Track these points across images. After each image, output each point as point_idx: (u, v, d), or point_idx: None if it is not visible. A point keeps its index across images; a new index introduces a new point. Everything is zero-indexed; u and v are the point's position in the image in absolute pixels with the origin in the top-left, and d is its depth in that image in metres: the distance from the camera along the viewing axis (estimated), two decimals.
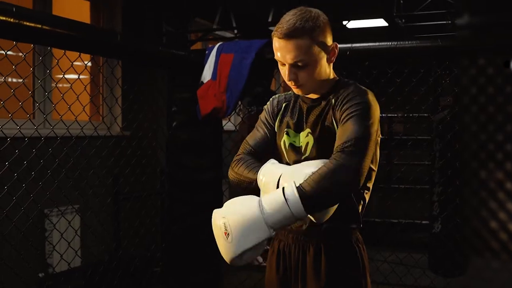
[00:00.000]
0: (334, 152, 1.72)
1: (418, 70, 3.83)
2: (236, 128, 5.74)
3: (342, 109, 1.77)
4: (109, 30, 5.10)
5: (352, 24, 7.46)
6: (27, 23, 2.62)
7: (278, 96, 2.04)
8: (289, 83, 1.83)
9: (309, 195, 1.66)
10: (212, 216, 1.80)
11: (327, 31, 1.81)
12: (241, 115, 5.35)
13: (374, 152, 1.81)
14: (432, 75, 4.68)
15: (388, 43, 3.27)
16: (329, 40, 1.82)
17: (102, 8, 5.38)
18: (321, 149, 1.83)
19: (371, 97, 1.79)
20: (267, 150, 1.98)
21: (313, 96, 1.89)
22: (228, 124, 5.39)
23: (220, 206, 1.61)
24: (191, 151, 3.95)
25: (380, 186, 6.77)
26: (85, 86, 3.53)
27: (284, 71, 1.82)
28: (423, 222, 5.64)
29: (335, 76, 1.92)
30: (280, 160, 1.93)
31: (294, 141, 1.91)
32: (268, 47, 3.56)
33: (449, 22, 6.02)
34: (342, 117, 1.76)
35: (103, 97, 4.95)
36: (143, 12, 5.65)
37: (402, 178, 5.48)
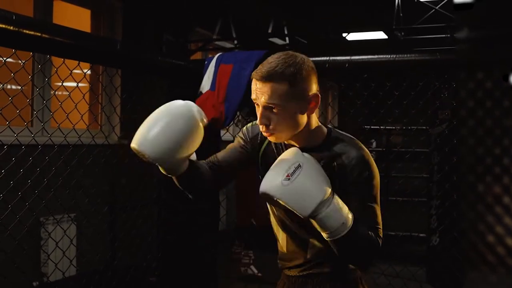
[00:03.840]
0: (367, 227, 1.75)
1: (417, 83, 3.83)
2: (233, 138, 5.73)
3: (353, 177, 1.76)
4: (109, 38, 5.11)
5: (352, 36, 7.49)
6: (27, 31, 2.62)
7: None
8: (261, 127, 1.78)
9: (352, 238, 1.68)
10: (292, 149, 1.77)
11: (310, 80, 1.76)
12: (240, 126, 5.35)
13: None
14: (431, 88, 4.69)
15: (387, 56, 3.27)
16: (311, 89, 1.77)
17: (102, 16, 5.39)
18: None
19: (371, 158, 1.80)
20: (230, 171, 1.96)
21: (303, 144, 1.84)
22: (227, 135, 5.37)
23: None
24: None
25: None
26: (84, 95, 3.53)
27: (258, 113, 1.78)
28: (421, 235, 5.62)
29: (321, 125, 1.87)
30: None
31: None
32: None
33: (448, 35, 6.05)
34: (354, 189, 1.76)
35: (102, 105, 4.94)
36: (143, 21, 5.67)
37: (399, 191, 5.47)
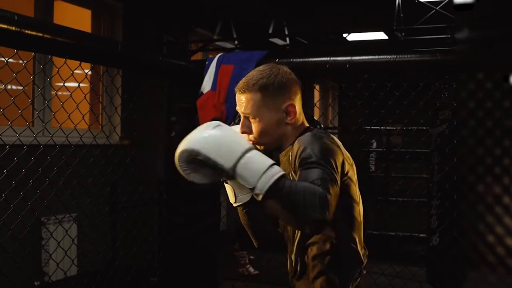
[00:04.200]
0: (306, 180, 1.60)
1: (417, 83, 3.84)
2: None
3: (298, 155, 1.69)
4: (110, 39, 5.12)
5: (352, 37, 7.50)
6: (28, 32, 2.63)
7: None
8: (245, 136, 1.81)
9: (284, 189, 1.56)
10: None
11: (285, 90, 1.79)
12: None
13: (354, 192, 1.78)
14: (431, 89, 4.70)
15: (387, 57, 3.28)
16: (287, 99, 1.79)
17: (103, 17, 5.40)
18: None
19: (327, 141, 1.72)
20: None
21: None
22: None
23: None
24: None
25: (378, 199, 6.77)
26: (85, 95, 3.54)
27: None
28: (421, 235, 5.63)
29: (305, 128, 1.85)
30: None
31: None
32: (268, 58, 3.57)
33: (449, 36, 6.05)
34: (300, 164, 1.66)
35: (103, 106, 4.95)
36: (143, 21, 5.68)
37: (400, 191, 5.48)
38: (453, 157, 4.45)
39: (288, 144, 1.83)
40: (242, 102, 1.80)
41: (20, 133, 3.06)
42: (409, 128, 6.64)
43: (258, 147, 1.80)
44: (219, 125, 1.71)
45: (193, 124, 3.78)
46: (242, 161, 1.60)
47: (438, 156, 4.90)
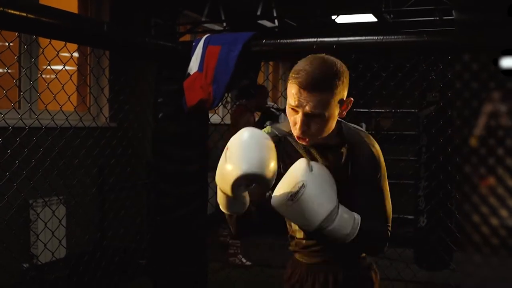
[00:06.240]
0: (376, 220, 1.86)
1: (404, 65, 3.84)
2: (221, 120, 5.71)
3: (364, 174, 1.85)
4: (95, 19, 5.06)
5: (341, 19, 7.47)
6: (12, 11, 2.59)
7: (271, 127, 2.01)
8: (297, 132, 1.77)
9: (361, 238, 1.78)
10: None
11: (347, 86, 1.78)
12: (228, 108, 5.32)
13: None
14: (418, 70, 4.70)
15: (374, 38, 3.27)
16: (346, 94, 1.79)
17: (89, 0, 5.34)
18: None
19: (380, 153, 1.89)
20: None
21: (320, 142, 1.85)
22: (215, 117, 5.37)
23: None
24: (177, 143, 3.93)
25: None
26: (71, 76, 3.50)
27: (294, 118, 1.76)
28: (409, 217, 5.66)
29: (343, 125, 1.92)
30: None
31: None
32: (255, 40, 3.55)
33: (437, 18, 6.05)
34: (364, 186, 1.85)
35: (90, 87, 4.92)
36: (131, 4, 5.62)
37: (387, 173, 5.48)
38: (439, 138, 4.47)
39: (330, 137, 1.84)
40: (310, 100, 1.69)
41: (5, 114, 3.03)
42: (398, 110, 6.65)
43: (306, 142, 1.81)
44: (303, 187, 1.71)
45: (181, 105, 3.76)
46: (325, 231, 1.74)
47: (426, 137, 4.92)
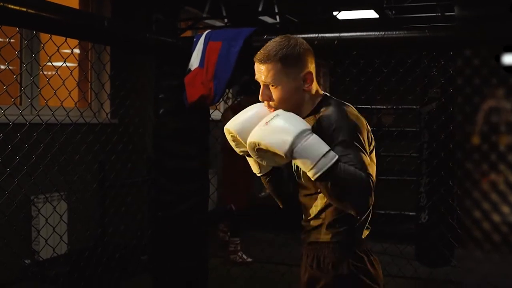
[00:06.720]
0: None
1: (406, 60, 3.83)
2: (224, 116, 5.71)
3: (330, 132, 1.87)
4: (96, 14, 5.05)
5: (343, 15, 7.45)
6: (12, 6, 2.58)
7: None
8: (264, 103, 2.01)
9: (338, 174, 1.75)
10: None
11: (302, 60, 1.96)
12: (229, 103, 5.31)
13: (373, 158, 1.97)
14: (420, 66, 4.69)
15: (376, 33, 3.26)
16: (304, 68, 1.96)
17: None
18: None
19: (351, 114, 1.92)
20: None
21: (301, 115, 1.97)
22: (215, 113, 5.36)
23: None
24: (178, 139, 3.93)
25: None
26: (71, 71, 3.49)
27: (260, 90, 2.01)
28: (410, 213, 5.65)
29: (319, 95, 2.04)
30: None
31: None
32: (257, 35, 3.54)
33: (439, 14, 6.03)
34: (333, 144, 1.84)
35: (91, 83, 4.91)
36: (133, 0, 5.60)
37: (388, 169, 5.48)
38: (441, 135, 4.46)
39: (306, 111, 2.00)
40: (262, 71, 1.95)
41: (5, 110, 3.03)
42: (400, 107, 6.64)
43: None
44: (277, 115, 1.87)
45: (182, 101, 3.75)
46: (298, 148, 1.77)
47: (427, 133, 4.91)
